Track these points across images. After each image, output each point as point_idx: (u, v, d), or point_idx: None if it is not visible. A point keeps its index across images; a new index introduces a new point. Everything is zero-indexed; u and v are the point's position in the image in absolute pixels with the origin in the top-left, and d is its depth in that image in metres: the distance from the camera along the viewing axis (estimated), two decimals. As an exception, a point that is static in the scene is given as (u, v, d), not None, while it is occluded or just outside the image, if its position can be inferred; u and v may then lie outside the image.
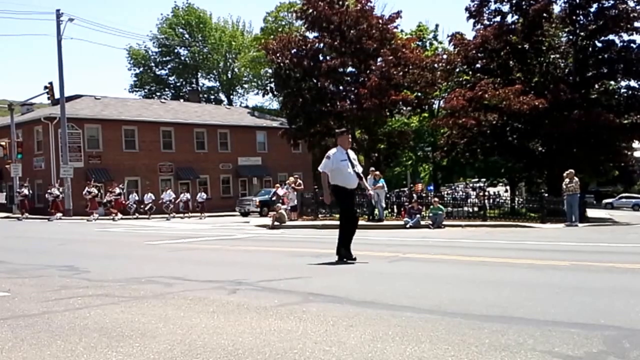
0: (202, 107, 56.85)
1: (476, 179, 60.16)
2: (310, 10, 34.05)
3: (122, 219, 32.10)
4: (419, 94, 35.16)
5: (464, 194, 29.44)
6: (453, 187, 52.19)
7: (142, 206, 37.18)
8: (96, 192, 33.10)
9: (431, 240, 14.19)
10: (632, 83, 33.74)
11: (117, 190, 33.85)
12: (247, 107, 69.20)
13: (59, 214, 32.48)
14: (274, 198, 26.75)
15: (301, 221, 23.70)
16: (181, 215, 37.31)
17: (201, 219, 34.58)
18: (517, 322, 4.65)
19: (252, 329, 4.55)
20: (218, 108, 59.36)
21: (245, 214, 40.05)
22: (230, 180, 49.78)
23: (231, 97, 76.27)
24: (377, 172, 23.48)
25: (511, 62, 33.76)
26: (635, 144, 39.04)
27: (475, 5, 34.54)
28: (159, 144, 46.01)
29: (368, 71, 34.34)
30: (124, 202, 35.47)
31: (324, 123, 34.41)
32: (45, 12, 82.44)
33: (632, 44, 32.83)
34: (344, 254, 9.01)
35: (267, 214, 38.01)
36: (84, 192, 32.90)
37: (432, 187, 26.65)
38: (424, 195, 27.04)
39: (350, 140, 9.78)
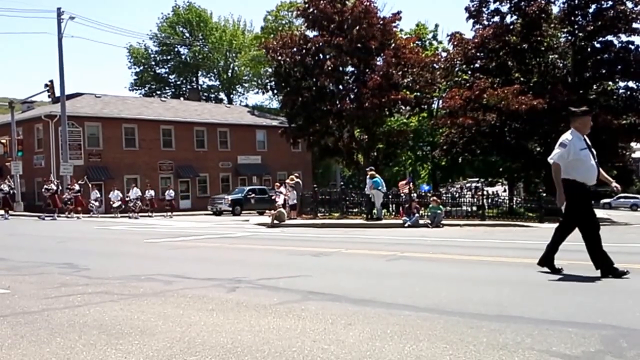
0: (202, 105, 56.85)
1: (475, 179, 60.19)
2: (312, 9, 34.10)
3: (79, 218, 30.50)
4: (418, 93, 35.20)
5: (456, 193, 29.42)
6: (448, 187, 52.09)
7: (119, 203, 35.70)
8: (55, 188, 31.29)
9: (429, 239, 14.19)
10: (631, 84, 33.86)
11: (76, 187, 32.04)
12: (247, 106, 69.17)
13: (1, 212, 30.39)
14: (273, 196, 26.73)
15: (300, 220, 23.69)
16: (149, 214, 35.50)
17: (165, 217, 33.45)
18: (515, 321, 4.68)
19: (251, 327, 4.57)
20: (218, 107, 59.34)
21: (217, 212, 39.10)
22: (229, 179, 49.79)
23: (231, 96, 76.23)
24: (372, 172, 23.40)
25: (510, 62, 33.85)
26: (634, 145, 39.08)
27: (475, 5, 34.66)
28: (159, 142, 46.00)
29: (368, 70, 34.39)
30: (81, 198, 33.36)
31: (323, 122, 34.47)
32: (46, 11, 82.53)
33: (630, 45, 32.99)
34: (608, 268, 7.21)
35: (240, 213, 37.48)
36: (42, 190, 31.60)
37: (427, 187, 26.52)
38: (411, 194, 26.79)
39: (591, 123, 7.64)
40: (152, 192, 36.84)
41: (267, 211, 38.71)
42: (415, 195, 24.70)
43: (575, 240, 12.44)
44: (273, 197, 26.18)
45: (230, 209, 38.74)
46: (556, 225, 8.04)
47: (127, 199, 35.54)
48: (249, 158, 51.18)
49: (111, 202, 35.49)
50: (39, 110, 45.30)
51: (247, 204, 39.70)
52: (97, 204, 35.30)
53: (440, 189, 45.51)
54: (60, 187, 32.28)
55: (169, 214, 35.71)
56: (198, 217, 33.91)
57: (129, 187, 37.77)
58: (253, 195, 40.75)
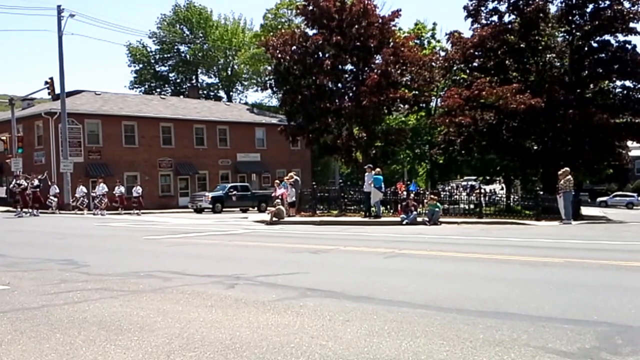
0: (201, 103, 56.85)
1: (473, 177, 60.23)
2: (311, 7, 34.10)
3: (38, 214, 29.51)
4: (417, 92, 35.23)
5: (448, 193, 29.46)
6: (444, 185, 51.96)
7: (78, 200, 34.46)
8: (25, 184, 30.03)
9: (427, 237, 14.22)
10: (627, 83, 33.90)
11: (35, 182, 30.46)
12: (246, 103, 69.13)
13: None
14: (273, 194, 26.73)
15: (299, 217, 23.70)
16: (117, 211, 34.10)
17: (138, 215, 32.23)
18: (511, 317, 4.71)
19: (249, 323, 4.60)
20: (217, 104, 59.33)
21: (199, 210, 38.02)
22: (229, 176, 49.76)
23: (231, 93, 76.22)
24: (378, 169, 23.46)
25: (508, 61, 33.89)
26: (630, 143, 39.17)
27: (474, 5, 34.65)
28: (159, 139, 46.01)
29: (367, 69, 34.42)
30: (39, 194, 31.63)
31: (322, 120, 34.45)
32: (46, 8, 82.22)
33: (627, 45, 33.02)
34: None
35: (221, 211, 36.83)
36: (11, 186, 30.72)
37: (414, 187, 26.75)
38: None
39: None
40: (122, 189, 35.65)
41: (250, 209, 38.67)
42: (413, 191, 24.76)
43: (573, 238, 12.44)
44: (273, 195, 26.11)
45: (211, 206, 37.65)
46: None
47: (92, 194, 34.59)
48: (248, 156, 51.20)
49: (76, 198, 34.37)
50: (39, 107, 45.32)
51: (228, 202, 38.79)
52: (55, 199, 34.02)
53: (438, 187, 45.59)
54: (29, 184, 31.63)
55: (136, 211, 34.37)
56: (172, 215, 32.82)
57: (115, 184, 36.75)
58: (235, 192, 39.76)
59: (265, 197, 40.42)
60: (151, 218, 28.08)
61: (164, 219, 26.99)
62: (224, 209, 37.85)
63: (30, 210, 29.45)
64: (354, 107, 33.06)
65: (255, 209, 38.90)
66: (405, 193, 25.44)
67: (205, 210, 37.78)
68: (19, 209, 29.59)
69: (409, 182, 34.42)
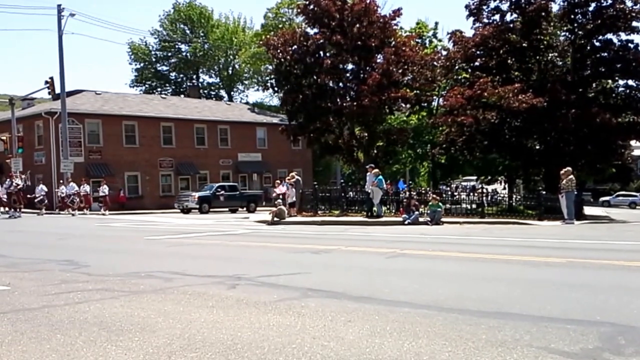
0: (202, 102, 56.92)
1: (474, 177, 60.12)
2: (312, 6, 34.08)
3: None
4: (418, 91, 35.18)
5: (450, 192, 29.43)
6: (444, 185, 51.84)
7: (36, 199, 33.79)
8: (21, 184, 30.09)
9: (429, 237, 14.20)
10: (630, 82, 33.87)
11: (20, 183, 30.44)
12: (247, 103, 69.18)
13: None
14: (273, 195, 26.71)
15: (301, 217, 23.70)
16: (84, 211, 33.60)
17: (104, 215, 31.94)
18: (514, 318, 4.69)
19: (251, 324, 4.58)
20: (218, 104, 59.39)
21: (185, 210, 37.14)
22: (230, 176, 49.81)
23: (231, 93, 76.29)
24: (377, 170, 23.47)
25: (510, 60, 33.86)
26: (633, 143, 39.17)
27: (475, 4, 34.63)
28: (160, 139, 46.04)
29: (368, 68, 34.38)
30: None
31: (323, 120, 34.41)
32: (46, 7, 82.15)
33: (629, 44, 33.01)
34: None
35: (208, 211, 36.20)
36: (7, 185, 30.46)
37: (403, 186, 26.54)
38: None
39: None
40: (87, 188, 34.99)
41: (239, 209, 38.42)
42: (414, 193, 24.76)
43: (576, 238, 12.40)
44: (273, 195, 26.09)
45: (198, 206, 36.87)
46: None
47: (61, 194, 34.08)
48: (249, 155, 51.22)
49: (36, 197, 33.75)
50: (40, 107, 45.39)
51: (215, 202, 38.15)
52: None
53: (440, 186, 45.52)
54: (26, 184, 31.19)
55: (102, 211, 33.80)
56: (161, 215, 32.08)
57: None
58: (222, 192, 39.09)
59: (254, 197, 40.27)
60: (142, 218, 27.97)
61: (159, 219, 26.93)
62: (211, 210, 37.13)
63: (10, 210, 29.32)
64: (355, 107, 33.01)
65: (244, 209, 38.51)
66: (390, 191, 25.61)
67: (192, 210, 36.86)
68: (13, 209, 29.49)
69: (398, 178, 34.36)
